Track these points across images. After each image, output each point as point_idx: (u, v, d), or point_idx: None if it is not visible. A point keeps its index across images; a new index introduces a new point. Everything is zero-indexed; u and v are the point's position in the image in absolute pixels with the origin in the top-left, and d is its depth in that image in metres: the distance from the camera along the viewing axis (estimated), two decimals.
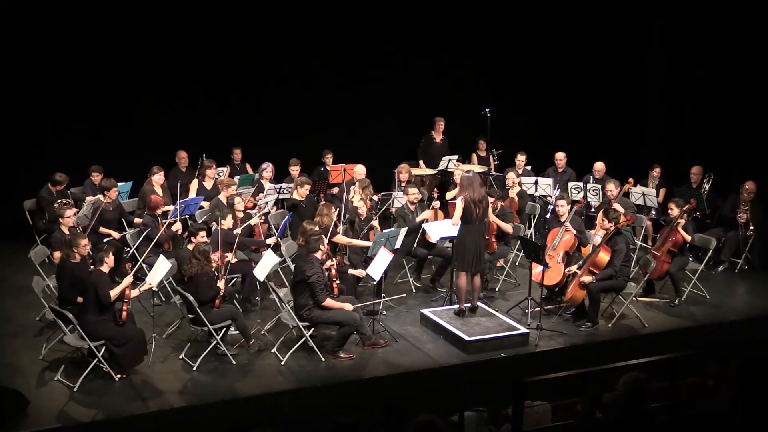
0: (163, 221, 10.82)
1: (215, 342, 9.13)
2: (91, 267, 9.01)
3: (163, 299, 10.56)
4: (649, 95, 15.54)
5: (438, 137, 14.37)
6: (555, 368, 7.10)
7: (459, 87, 15.18)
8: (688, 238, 11.00)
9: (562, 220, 10.68)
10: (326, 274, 9.42)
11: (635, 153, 14.85)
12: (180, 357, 9.19)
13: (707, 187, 12.65)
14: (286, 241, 11.11)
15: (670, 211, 11.15)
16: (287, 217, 11.34)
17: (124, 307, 8.80)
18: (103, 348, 8.59)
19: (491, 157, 14.21)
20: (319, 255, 9.34)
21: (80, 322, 8.57)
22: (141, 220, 11.29)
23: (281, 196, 12.43)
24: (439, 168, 13.69)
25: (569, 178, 13.27)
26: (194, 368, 8.92)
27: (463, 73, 15.45)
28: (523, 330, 9.87)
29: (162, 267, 9.11)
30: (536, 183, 12.94)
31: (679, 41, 14.74)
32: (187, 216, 11.45)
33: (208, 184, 12.43)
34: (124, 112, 13.43)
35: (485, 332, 9.74)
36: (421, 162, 14.17)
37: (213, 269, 9.22)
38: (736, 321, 10.74)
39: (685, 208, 11.10)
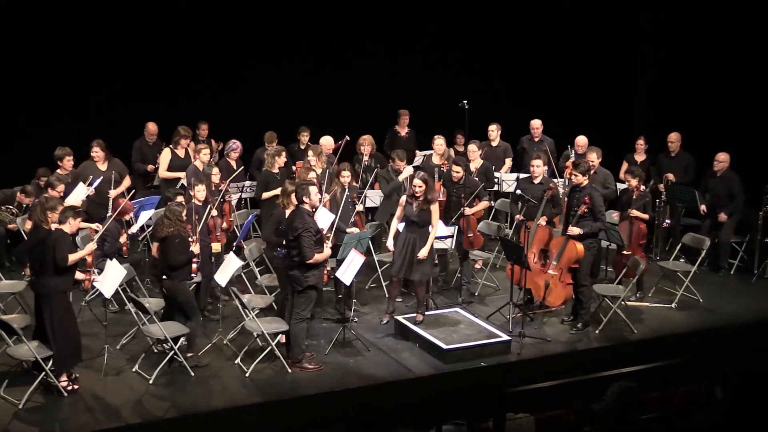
0: (126, 228, 10.88)
1: (172, 353, 9.11)
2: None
3: (117, 307, 10.49)
4: (639, 70, 15.68)
5: (403, 131, 14.29)
6: (539, 378, 7.13)
7: (435, 77, 15.23)
8: (647, 216, 11.16)
9: (536, 182, 10.92)
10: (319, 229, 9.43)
11: (625, 126, 14.81)
12: (134, 369, 9.15)
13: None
14: (250, 243, 11.09)
15: (627, 183, 11.31)
16: (251, 217, 11.32)
17: (87, 276, 8.88)
18: (51, 361, 8.53)
19: None
20: (307, 207, 9.29)
21: (37, 285, 8.70)
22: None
23: (244, 195, 12.45)
24: (414, 164, 13.67)
25: (547, 148, 13.35)
26: (150, 381, 8.89)
27: (440, 62, 15.53)
28: (505, 337, 9.90)
29: (114, 274, 9.05)
30: (518, 179, 12.94)
31: (670, 17, 14.91)
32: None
33: (181, 153, 12.47)
34: (84, 101, 13.52)
35: (464, 340, 9.76)
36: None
37: (186, 231, 9.29)
38: (732, 326, 10.82)
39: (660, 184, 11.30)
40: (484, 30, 15.70)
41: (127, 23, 13.66)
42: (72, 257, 8.63)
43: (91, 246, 9.02)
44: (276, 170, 11.68)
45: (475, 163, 12.20)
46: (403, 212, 10.21)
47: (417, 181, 10.12)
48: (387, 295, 10.52)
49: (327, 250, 9.39)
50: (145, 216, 10.91)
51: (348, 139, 12.87)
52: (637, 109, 15.58)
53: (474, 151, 12.24)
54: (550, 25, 15.63)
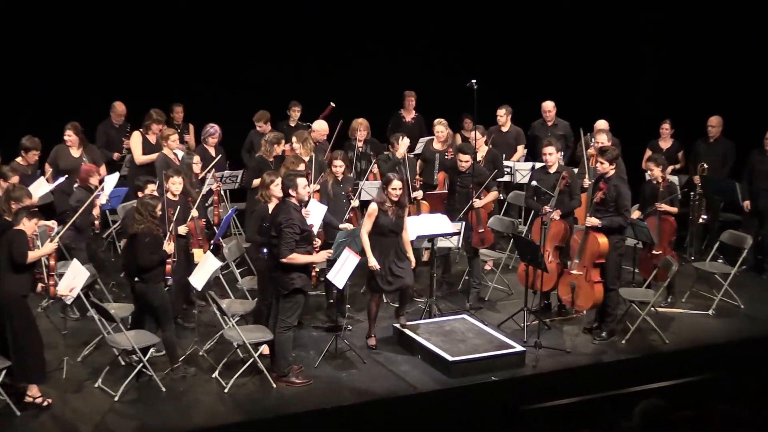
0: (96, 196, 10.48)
1: (141, 365, 8.80)
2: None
3: (77, 314, 10.27)
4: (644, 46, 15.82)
5: (408, 116, 14.08)
6: (557, 394, 7.16)
7: (436, 77, 15.27)
8: (676, 210, 10.87)
9: (551, 171, 10.50)
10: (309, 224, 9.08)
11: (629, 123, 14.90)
12: (97, 384, 8.87)
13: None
14: (230, 241, 10.90)
15: (650, 172, 10.99)
16: (231, 211, 11.12)
17: (51, 281, 8.60)
18: (3, 373, 8.23)
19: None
20: (294, 200, 8.88)
21: None
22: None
23: (224, 186, 12.19)
24: (415, 152, 13.29)
25: (564, 132, 13.13)
26: (116, 398, 8.64)
27: (440, 62, 15.67)
28: (519, 348, 9.68)
29: (77, 276, 8.78)
30: (533, 168, 12.42)
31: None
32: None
33: (152, 139, 12.25)
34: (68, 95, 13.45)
35: (472, 351, 9.57)
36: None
37: (159, 228, 8.95)
38: None
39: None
40: (483, 31, 15.85)
41: (119, 17, 13.73)
42: (32, 255, 8.37)
43: (52, 246, 8.64)
44: (271, 158, 11.39)
45: (482, 151, 11.83)
46: (373, 224, 9.65)
47: (396, 183, 9.61)
48: (368, 316, 10.07)
49: (321, 255, 9.07)
50: (111, 181, 10.72)
51: (333, 106, 12.84)
52: (639, 107, 15.73)
53: (479, 138, 11.87)
54: (550, 26, 15.77)
